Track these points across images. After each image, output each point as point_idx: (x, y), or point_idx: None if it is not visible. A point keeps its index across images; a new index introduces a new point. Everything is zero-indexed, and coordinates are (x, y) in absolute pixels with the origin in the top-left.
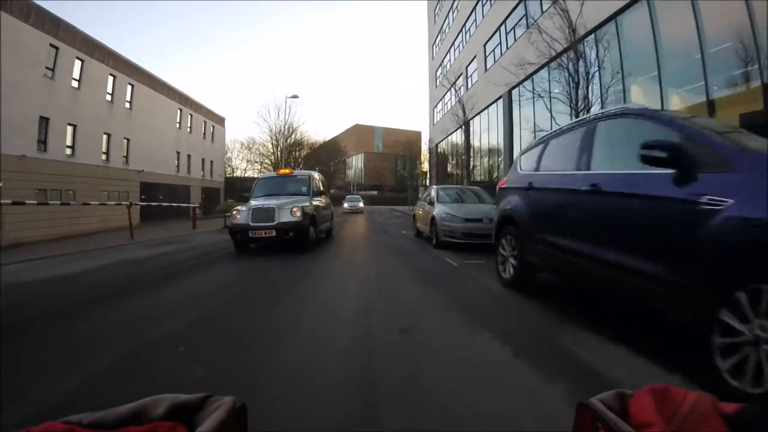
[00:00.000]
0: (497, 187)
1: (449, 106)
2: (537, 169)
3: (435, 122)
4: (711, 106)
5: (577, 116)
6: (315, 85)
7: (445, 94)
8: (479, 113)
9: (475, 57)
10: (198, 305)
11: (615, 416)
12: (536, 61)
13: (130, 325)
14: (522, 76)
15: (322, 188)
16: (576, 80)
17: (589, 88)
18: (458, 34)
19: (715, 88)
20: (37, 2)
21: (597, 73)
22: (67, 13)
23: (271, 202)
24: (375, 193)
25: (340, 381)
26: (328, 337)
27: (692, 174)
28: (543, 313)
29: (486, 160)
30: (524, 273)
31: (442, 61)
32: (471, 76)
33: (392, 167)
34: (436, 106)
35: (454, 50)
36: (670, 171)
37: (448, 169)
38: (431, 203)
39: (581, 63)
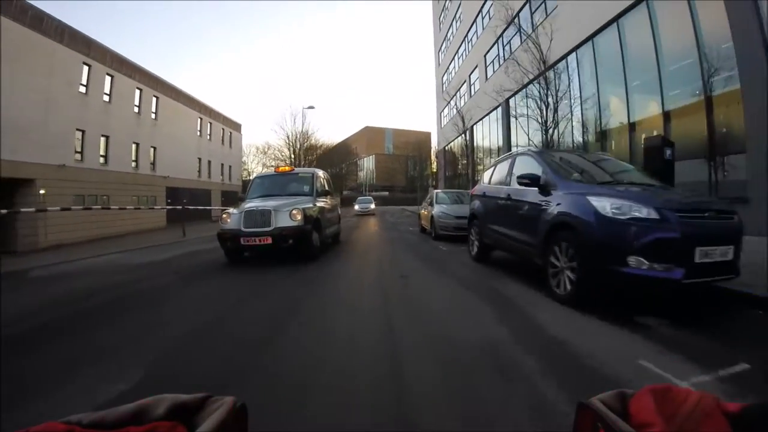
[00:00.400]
0: (470, 193)
1: (455, 111)
2: (489, 182)
3: (442, 125)
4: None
5: (546, 133)
6: (326, 87)
7: (450, 100)
8: (481, 119)
9: (476, 66)
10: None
11: (615, 416)
12: (513, 87)
13: (234, 283)
14: (516, 87)
15: (327, 188)
16: (546, 103)
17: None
18: (461, 44)
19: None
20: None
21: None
22: (79, 19)
23: (268, 204)
24: (386, 193)
25: (373, 296)
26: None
27: (545, 190)
28: (487, 272)
29: (490, 161)
30: (483, 250)
31: (448, 67)
32: (473, 84)
33: (403, 168)
34: (442, 111)
35: (458, 58)
36: (535, 188)
37: (458, 169)
38: (431, 204)
39: (551, 88)
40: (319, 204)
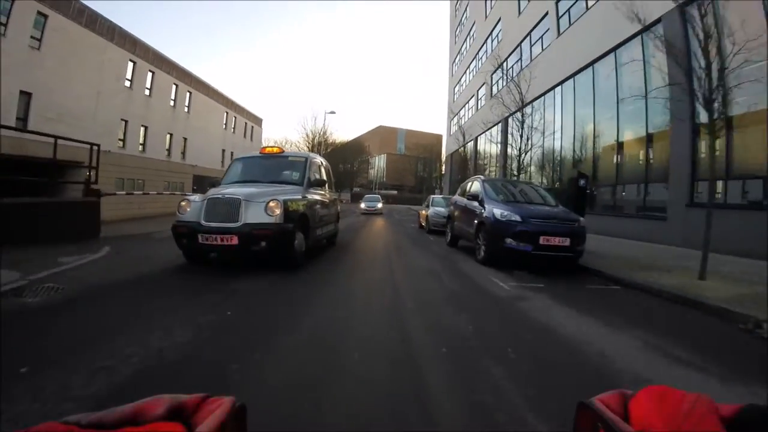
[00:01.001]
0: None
1: (459, 125)
2: (457, 195)
3: (451, 133)
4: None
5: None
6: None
7: (456, 113)
8: (483, 132)
9: (484, 84)
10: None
11: (615, 416)
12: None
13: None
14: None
15: (324, 178)
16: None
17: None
18: (472, 60)
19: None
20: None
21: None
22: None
23: (238, 192)
24: (395, 192)
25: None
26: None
27: (481, 203)
28: (451, 251)
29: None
30: (453, 239)
31: (460, 80)
32: (480, 99)
33: (413, 168)
34: (453, 119)
35: (469, 72)
36: (476, 202)
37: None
38: (428, 206)
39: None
40: (310, 197)
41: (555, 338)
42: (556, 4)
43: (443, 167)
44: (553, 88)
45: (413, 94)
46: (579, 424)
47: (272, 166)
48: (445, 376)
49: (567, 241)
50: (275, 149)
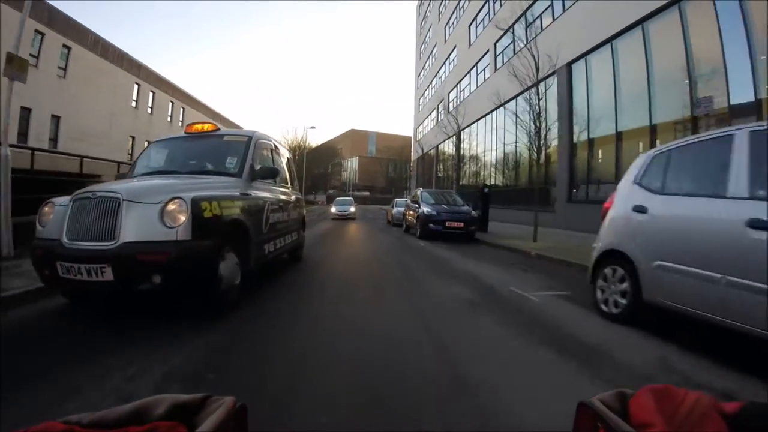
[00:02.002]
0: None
1: (427, 129)
2: (411, 200)
3: (417, 139)
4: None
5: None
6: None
7: (423, 120)
8: (442, 142)
9: (442, 101)
10: None
11: (615, 416)
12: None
13: None
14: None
15: (279, 167)
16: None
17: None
18: (433, 78)
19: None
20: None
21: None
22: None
23: (120, 186)
24: (367, 193)
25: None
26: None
27: (419, 205)
28: (405, 235)
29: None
30: (406, 228)
31: (423, 93)
32: (440, 113)
33: (384, 170)
34: (418, 127)
35: (431, 88)
36: (417, 204)
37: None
38: (392, 207)
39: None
40: (255, 194)
41: (439, 259)
42: (494, 44)
43: (412, 169)
44: (487, 114)
45: (384, 97)
46: (579, 423)
47: (200, 150)
48: (398, 267)
49: (462, 224)
50: (206, 126)
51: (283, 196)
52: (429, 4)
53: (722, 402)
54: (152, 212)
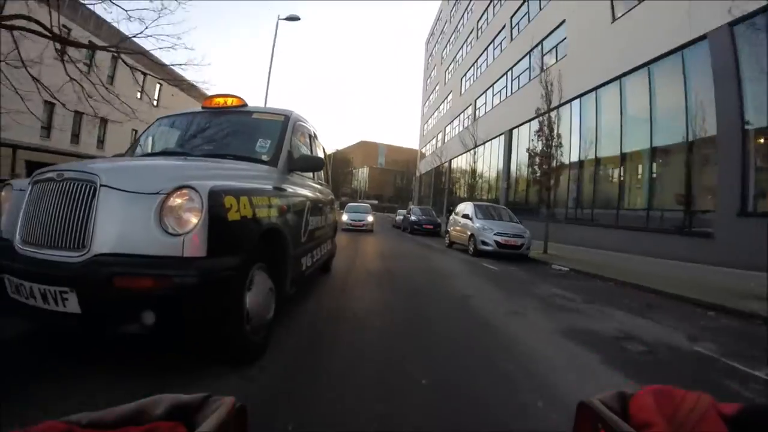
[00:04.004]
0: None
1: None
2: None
3: (421, 160)
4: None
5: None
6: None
7: (426, 144)
8: (455, 157)
9: (439, 133)
10: None
11: (615, 416)
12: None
13: None
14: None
15: (319, 157)
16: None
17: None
18: (435, 111)
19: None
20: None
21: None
22: None
23: (102, 166)
24: (376, 202)
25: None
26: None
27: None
28: (402, 234)
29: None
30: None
31: (428, 121)
32: (442, 139)
33: (392, 181)
34: (422, 148)
35: (433, 119)
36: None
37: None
38: (397, 215)
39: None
40: (293, 190)
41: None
42: (475, 100)
43: (414, 184)
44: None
45: (393, 110)
46: (579, 424)
47: (222, 129)
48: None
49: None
50: (230, 99)
51: (321, 195)
52: (435, 46)
53: (722, 403)
54: (145, 207)
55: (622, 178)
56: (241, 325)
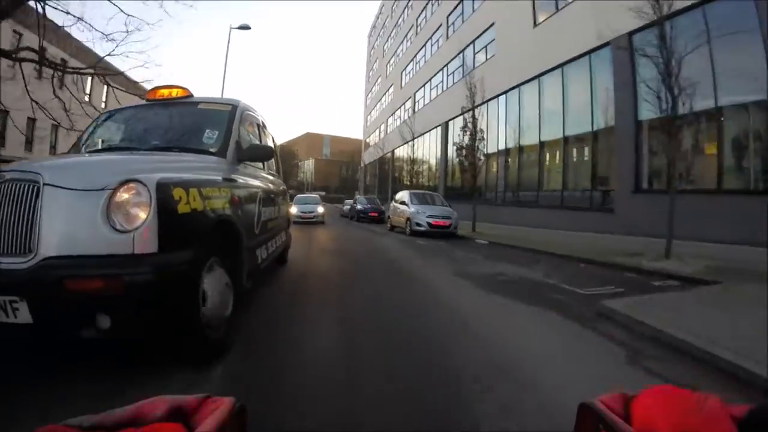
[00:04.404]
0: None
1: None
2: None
3: (365, 150)
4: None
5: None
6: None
7: (370, 135)
8: (393, 150)
9: (382, 124)
10: None
11: (617, 418)
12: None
13: None
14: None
15: (269, 146)
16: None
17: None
18: (377, 103)
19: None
20: None
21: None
22: None
23: (45, 163)
24: (323, 193)
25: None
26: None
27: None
28: (350, 222)
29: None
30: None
31: (370, 112)
32: (385, 130)
33: (337, 172)
34: (367, 138)
35: (376, 111)
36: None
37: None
38: (344, 205)
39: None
40: (243, 180)
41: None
42: (414, 93)
43: (360, 173)
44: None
45: (337, 100)
46: (580, 425)
47: (168, 121)
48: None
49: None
50: (174, 90)
51: (273, 186)
52: (377, 40)
53: (730, 404)
54: (91, 205)
55: (541, 164)
56: (199, 323)
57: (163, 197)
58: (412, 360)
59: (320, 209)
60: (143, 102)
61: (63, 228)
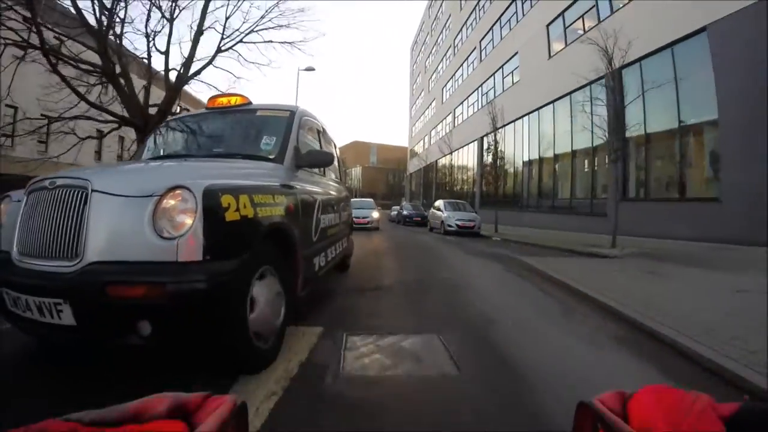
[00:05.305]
0: (400, 208)
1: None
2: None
3: (411, 158)
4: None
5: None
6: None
7: (415, 145)
8: (438, 159)
9: (426, 136)
10: None
11: (615, 416)
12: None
13: None
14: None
15: (328, 152)
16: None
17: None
18: (420, 116)
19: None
20: None
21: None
22: None
23: (94, 171)
24: (371, 199)
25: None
26: None
27: (442, 212)
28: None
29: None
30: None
31: (415, 124)
32: (433, 136)
33: (384, 178)
34: (413, 148)
35: (420, 122)
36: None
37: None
38: (392, 210)
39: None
40: (302, 187)
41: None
42: (454, 109)
43: (405, 181)
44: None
45: (383, 108)
46: (578, 424)
47: (226, 128)
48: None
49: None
50: (233, 98)
51: (334, 192)
52: (419, 55)
53: (720, 403)
54: (137, 211)
55: (555, 175)
56: (245, 333)
57: (210, 204)
58: (424, 270)
59: (375, 214)
60: (203, 110)
61: (109, 234)
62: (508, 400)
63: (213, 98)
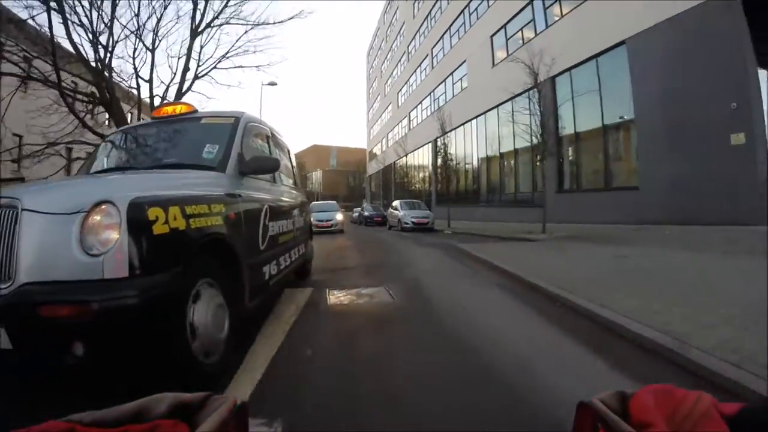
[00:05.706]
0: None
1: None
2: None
3: (369, 160)
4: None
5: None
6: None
7: (373, 147)
8: (394, 161)
9: (383, 138)
10: None
11: (615, 416)
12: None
13: None
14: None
15: (274, 157)
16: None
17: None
18: (377, 119)
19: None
20: None
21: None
22: None
23: (24, 189)
24: (333, 202)
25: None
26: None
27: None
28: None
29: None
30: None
31: (372, 126)
32: (385, 144)
33: (345, 181)
34: (371, 150)
35: (377, 125)
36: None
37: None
38: (354, 212)
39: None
40: (247, 194)
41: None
42: (409, 113)
43: (365, 182)
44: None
45: (341, 111)
46: (578, 423)
47: (169, 138)
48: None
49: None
50: (178, 107)
51: (287, 198)
52: (375, 60)
53: (722, 402)
54: (66, 229)
55: (501, 171)
56: (185, 348)
57: (136, 217)
58: (379, 257)
59: (339, 216)
60: (148, 120)
61: (41, 253)
62: (418, 308)
63: (158, 107)
